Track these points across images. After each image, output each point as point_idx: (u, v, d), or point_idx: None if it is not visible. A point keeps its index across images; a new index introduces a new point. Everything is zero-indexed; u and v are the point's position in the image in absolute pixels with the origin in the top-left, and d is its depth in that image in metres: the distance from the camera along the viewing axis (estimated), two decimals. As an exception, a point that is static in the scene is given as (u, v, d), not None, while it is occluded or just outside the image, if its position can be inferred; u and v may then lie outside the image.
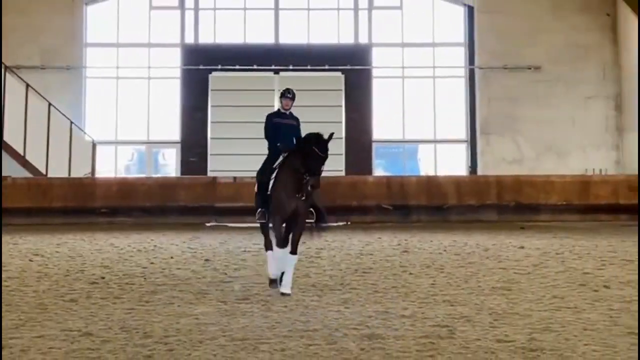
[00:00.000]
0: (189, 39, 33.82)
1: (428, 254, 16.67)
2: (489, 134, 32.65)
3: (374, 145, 33.17)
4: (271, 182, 11.76)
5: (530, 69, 32.86)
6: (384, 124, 33.33)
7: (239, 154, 31.77)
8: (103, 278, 13.00)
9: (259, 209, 12.00)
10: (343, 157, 32.25)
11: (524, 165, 31.56)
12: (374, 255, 16.75)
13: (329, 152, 11.75)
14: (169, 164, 34.29)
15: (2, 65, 26.44)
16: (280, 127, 12.18)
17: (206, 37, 33.89)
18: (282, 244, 11.71)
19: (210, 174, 31.22)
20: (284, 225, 11.88)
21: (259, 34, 33.79)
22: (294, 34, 33.78)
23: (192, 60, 33.29)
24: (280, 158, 11.90)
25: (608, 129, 32.64)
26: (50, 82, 31.27)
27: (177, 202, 26.29)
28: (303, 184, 11.48)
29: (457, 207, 26.37)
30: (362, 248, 18.13)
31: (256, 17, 33.98)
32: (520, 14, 32.79)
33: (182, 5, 33.85)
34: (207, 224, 25.62)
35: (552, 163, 31.51)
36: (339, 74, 32.94)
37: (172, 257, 16.21)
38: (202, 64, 32.94)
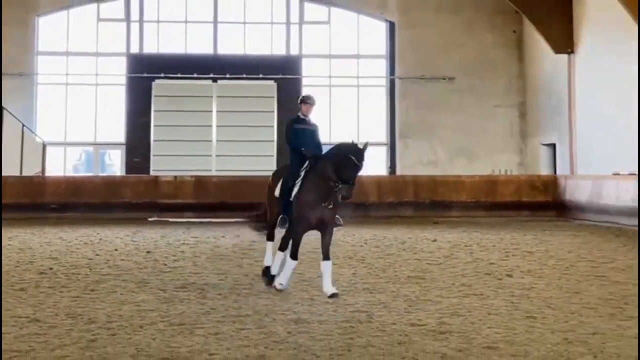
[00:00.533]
0: (134, 49, 33.49)
1: (350, 247, 16.74)
2: (407, 138, 32.90)
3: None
4: (295, 189, 10.58)
5: (445, 79, 33.15)
6: (312, 128, 33.31)
7: (179, 154, 31.66)
8: (51, 269, 12.82)
9: (281, 215, 10.79)
10: (274, 158, 32.32)
11: (438, 167, 31.87)
12: (302, 247, 16.71)
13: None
14: (115, 164, 33.93)
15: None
16: (302, 133, 10.99)
17: (150, 47, 33.59)
18: (281, 248, 11.14)
19: (152, 173, 30.98)
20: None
21: (199, 45, 33.59)
22: (231, 45, 33.65)
23: (136, 69, 32.97)
24: (306, 164, 10.70)
25: (513, 135, 33.11)
26: (4, 88, 30.69)
27: (121, 199, 26.07)
28: (332, 193, 10.30)
29: (378, 204, 26.57)
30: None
31: (196, 29, 33.78)
32: (437, 30, 33.08)
33: (127, 17, 33.52)
34: (150, 219, 25.46)
35: (463, 165, 31.86)
36: (271, 82, 32.94)
37: (116, 249, 16.06)
38: (146, 72, 32.64)
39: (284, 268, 10.72)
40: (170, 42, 33.59)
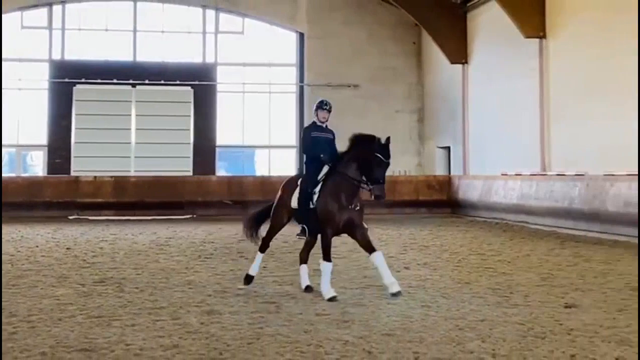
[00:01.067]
0: (56, 55, 32.71)
1: (261, 242, 16.72)
2: (316, 141, 32.97)
3: (217, 149, 32.99)
4: (315, 195, 9.73)
5: (350, 86, 33.34)
6: (226, 132, 33.16)
7: (99, 156, 31.12)
8: (-27, 265, 12.50)
9: (301, 225, 10.04)
10: (191, 159, 32.10)
11: (345, 167, 31.98)
12: (215, 243, 16.72)
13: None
14: (37, 165, 33.09)
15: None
16: (319, 141, 10.12)
17: (72, 54, 32.85)
18: (301, 261, 10.27)
19: (73, 173, 30.32)
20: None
21: (119, 52, 33.01)
22: (150, 53, 33.18)
23: (58, 74, 32.23)
24: (325, 169, 9.91)
25: (412, 138, 33.51)
26: None
27: (43, 198, 25.51)
28: (357, 194, 9.65)
29: (288, 202, 26.59)
30: (205, 237, 18.06)
31: (116, 37, 33.19)
32: (343, 40, 33.26)
33: (50, 25, 32.73)
34: (70, 217, 24.98)
35: (367, 166, 32.03)
36: (188, 88, 32.60)
37: (37, 246, 15.74)
38: (67, 78, 31.93)
39: (322, 279, 9.64)
40: (91, 49, 32.93)
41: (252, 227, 10.66)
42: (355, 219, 9.69)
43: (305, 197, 9.83)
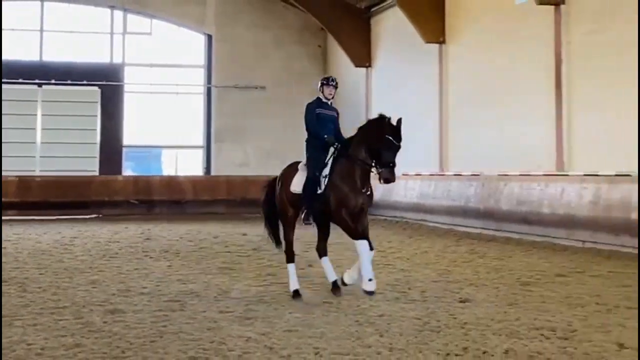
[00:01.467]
0: (-41, 53, 31.66)
1: (167, 241, 16.56)
2: (222, 141, 32.79)
3: (124, 149, 32.46)
4: (323, 179, 9.06)
5: (257, 88, 33.25)
6: (133, 132, 32.65)
7: (4, 155, 30.15)
8: None
9: (305, 210, 9.28)
10: (97, 159, 31.48)
11: (250, 168, 31.89)
12: (120, 242, 16.42)
13: None
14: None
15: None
16: (322, 119, 9.46)
17: (-25, 52, 31.85)
18: (320, 254, 9.72)
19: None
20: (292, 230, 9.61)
21: (25, 52, 32.12)
22: (57, 53, 32.37)
23: (-39, 72, 31.18)
24: (331, 150, 9.28)
25: (317, 139, 33.63)
26: None
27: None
28: (368, 177, 9.00)
29: (194, 201, 26.44)
30: (110, 236, 17.73)
31: (23, 36, 32.27)
32: (250, 43, 33.14)
33: (-47, 23, 31.66)
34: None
35: (273, 165, 31.90)
36: (95, 88, 31.94)
37: (-63, 246, 15.16)
38: (-29, 76, 30.97)
39: (362, 260, 8.90)
40: (-3, 48, 31.98)
41: (272, 232, 10.07)
42: (365, 204, 9.07)
43: (312, 182, 9.12)
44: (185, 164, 33.01)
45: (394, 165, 8.74)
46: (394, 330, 7.42)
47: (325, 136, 9.28)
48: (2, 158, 29.44)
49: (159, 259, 13.23)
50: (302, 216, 9.23)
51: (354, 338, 7.07)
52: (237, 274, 11.33)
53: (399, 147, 8.78)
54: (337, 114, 9.64)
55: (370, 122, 9.05)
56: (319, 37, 33.73)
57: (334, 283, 9.50)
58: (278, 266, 12.28)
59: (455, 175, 21.88)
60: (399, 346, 6.75)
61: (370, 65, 29.62)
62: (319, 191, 9.03)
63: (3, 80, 30.67)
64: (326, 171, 9.08)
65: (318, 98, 9.58)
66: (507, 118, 20.06)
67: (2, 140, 29.86)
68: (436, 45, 24.25)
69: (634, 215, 14.58)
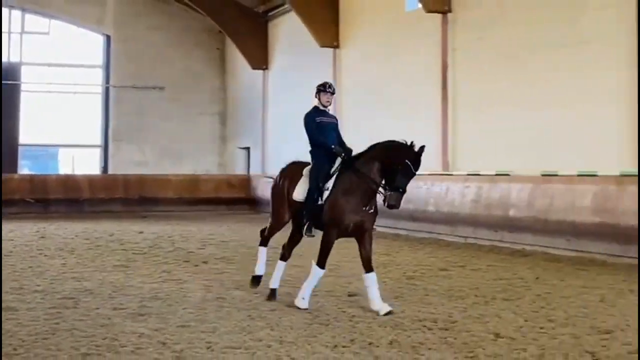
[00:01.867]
0: None
1: (62, 239, 16.16)
2: (120, 140, 32.18)
3: (20, 148, 31.47)
4: (327, 191, 8.42)
5: (155, 88, 32.78)
6: (30, 131, 31.68)
7: None
8: None
9: (307, 222, 8.56)
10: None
11: (148, 167, 31.42)
12: (15, 240, 15.93)
13: None
14: None
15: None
16: (323, 127, 8.81)
17: None
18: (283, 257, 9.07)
19: None
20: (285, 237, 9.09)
21: None
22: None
23: None
24: (338, 162, 8.61)
25: (214, 139, 33.40)
26: None
27: None
28: (374, 196, 8.30)
29: (90, 200, 25.89)
30: (5, 235, 17.10)
31: None
32: (149, 44, 32.61)
33: None
34: None
35: (171, 165, 31.67)
36: (-9, 86, 30.89)
37: None
38: None
39: (307, 280, 8.43)
40: None
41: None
42: (367, 223, 8.34)
43: (314, 192, 8.49)
44: (82, 163, 32.25)
45: (404, 192, 8.10)
46: (285, 324, 7.46)
47: (333, 146, 8.66)
48: None
49: (53, 257, 12.91)
50: (304, 229, 8.60)
51: (245, 332, 7.07)
52: (132, 271, 11.17)
53: (414, 175, 8.13)
54: (337, 120, 9.08)
55: (393, 142, 8.34)
56: (217, 40, 33.48)
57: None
58: (173, 263, 12.20)
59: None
60: (289, 339, 6.79)
61: (267, 68, 29.62)
62: (320, 202, 8.42)
63: None
64: (330, 183, 8.43)
65: (315, 106, 8.94)
66: (397, 119, 20.39)
67: None
68: (331, 50, 24.48)
69: (512, 213, 15.13)
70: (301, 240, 9.06)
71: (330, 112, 9.07)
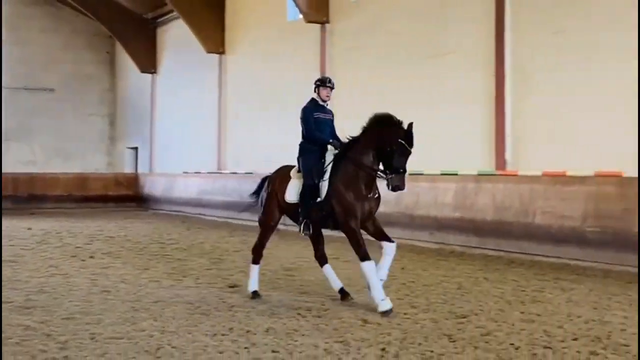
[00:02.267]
0: None
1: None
2: (9, 140, 30.94)
3: None
4: (324, 187, 7.83)
5: (45, 90, 31.74)
6: None
7: None
8: None
9: (304, 220, 7.99)
10: None
11: (37, 166, 30.35)
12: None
13: None
14: None
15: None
16: (320, 123, 8.22)
17: None
18: (321, 262, 8.47)
19: None
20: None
21: None
22: None
23: None
24: (329, 156, 8.02)
25: (104, 139, 32.70)
26: None
27: None
28: (374, 182, 7.76)
29: (-22, 198, 24.79)
30: None
31: None
32: (40, 46, 31.57)
33: None
34: None
35: (60, 164, 30.71)
36: None
37: None
38: None
39: (369, 283, 7.61)
40: None
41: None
42: (373, 209, 7.89)
43: (310, 190, 7.93)
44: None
45: (405, 171, 7.52)
46: (168, 314, 7.38)
47: (331, 141, 8.10)
48: None
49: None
50: (301, 227, 8.01)
51: (129, 323, 6.96)
52: (20, 267, 10.78)
53: (410, 153, 7.54)
54: (333, 115, 8.47)
55: (381, 125, 7.73)
56: (107, 44, 32.75)
57: (341, 290, 8.33)
58: (60, 258, 11.87)
59: (231, 173, 22.27)
60: (171, 329, 6.73)
61: (155, 72, 29.22)
62: (319, 199, 7.86)
63: None
64: (325, 178, 7.87)
65: (313, 100, 8.36)
66: (280, 123, 20.46)
67: None
68: (216, 55, 24.39)
69: (383, 209, 15.41)
70: (324, 240, 8.55)
71: (328, 106, 8.52)
